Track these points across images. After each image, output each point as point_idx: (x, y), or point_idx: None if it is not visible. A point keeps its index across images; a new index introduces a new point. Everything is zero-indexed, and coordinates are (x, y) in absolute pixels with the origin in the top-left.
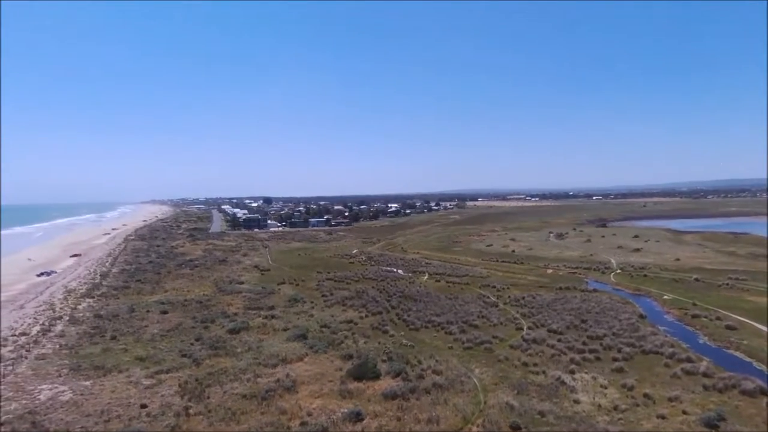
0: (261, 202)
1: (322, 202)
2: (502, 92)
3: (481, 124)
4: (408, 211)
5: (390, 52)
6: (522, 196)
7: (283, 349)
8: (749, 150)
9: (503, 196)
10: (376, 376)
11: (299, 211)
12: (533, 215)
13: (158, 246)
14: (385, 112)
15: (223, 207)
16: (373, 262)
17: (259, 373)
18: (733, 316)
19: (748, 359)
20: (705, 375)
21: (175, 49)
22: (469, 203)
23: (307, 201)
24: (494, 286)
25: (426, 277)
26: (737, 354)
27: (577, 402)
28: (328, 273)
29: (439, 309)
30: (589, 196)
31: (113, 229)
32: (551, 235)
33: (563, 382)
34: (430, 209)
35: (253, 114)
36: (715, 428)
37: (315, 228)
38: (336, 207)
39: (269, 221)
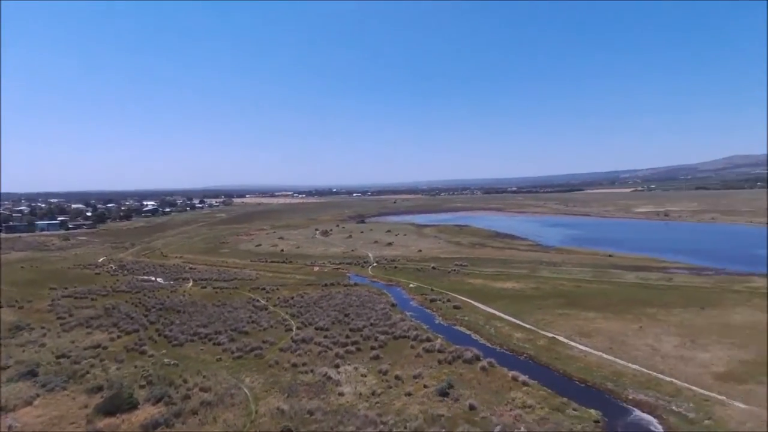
0: None
1: (54, 200)
2: (266, 91)
3: (247, 121)
4: (168, 209)
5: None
6: (290, 193)
7: (2, 395)
8: (470, 156)
9: (271, 193)
10: (133, 406)
11: (20, 211)
12: (301, 212)
13: None
14: (138, 97)
15: None
16: (126, 272)
17: None
18: (459, 297)
19: (468, 332)
20: (439, 351)
21: None
22: (237, 200)
23: (32, 198)
24: (264, 288)
25: (191, 285)
26: (461, 329)
27: (341, 395)
28: (66, 288)
29: (206, 319)
30: (350, 192)
31: None
32: (317, 232)
33: (329, 378)
34: (193, 207)
35: None
36: (446, 395)
37: (45, 233)
38: (74, 206)
39: None
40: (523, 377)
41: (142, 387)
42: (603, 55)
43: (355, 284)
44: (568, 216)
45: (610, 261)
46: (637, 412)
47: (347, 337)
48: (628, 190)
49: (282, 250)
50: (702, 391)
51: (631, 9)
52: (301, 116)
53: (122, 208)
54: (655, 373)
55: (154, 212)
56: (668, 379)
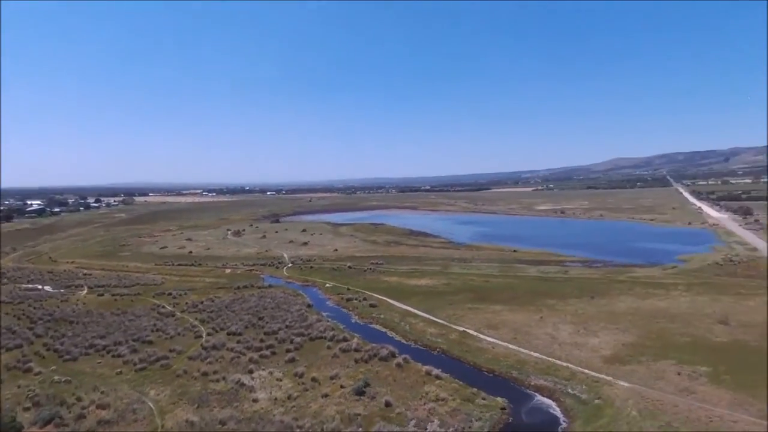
0: None
1: None
2: (172, 85)
3: (150, 110)
4: (57, 209)
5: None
6: (199, 191)
7: None
8: (385, 155)
9: (178, 191)
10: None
11: None
12: (211, 211)
13: None
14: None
15: None
16: (6, 280)
17: None
18: (375, 295)
19: (384, 330)
20: (356, 350)
21: None
22: (139, 199)
23: None
24: (170, 294)
25: (85, 292)
26: (377, 327)
27: (256, 401)
28: None
29: (104, 329)
30: (263, 191)
31: None
32: (229, 232)
33: (243, 384)
34: (87, 207)
35: None
36: (363, 394)
37: None
38: None
39: None
40: (436, 371)
41: (27, 409)
42: (505, 60)
43: (270, 286)
44: (477, 214)
45: (514, 256)
46: (539, 397)
47: (261, 341)
48: (530, 189)
49: (190, 252)
50: (593, 373)
51: (522, 15)
52: (211, 109)
53: (0, 208)
54: (553, 360)
55: (40, 212)
56: (564, 364)
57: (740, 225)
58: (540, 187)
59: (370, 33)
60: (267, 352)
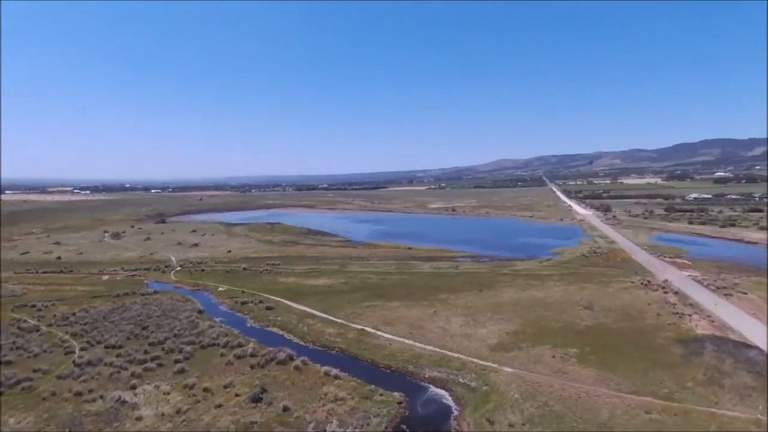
0: None
1: None
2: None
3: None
4: None
5: None
6: (69, 189)
7: None
8: (283, 153)
9: (42, 188)
10: None
11: None
12: (84, 211)
13: None
14: None
15: None
16: None
17: None
18: (272, 297)
19: (281, 332)
20: (251, 355)
21: None
22: None
23: None
24: (34, 306)
25: None
26: (274, 330)
27: (140, 419)
28: None
29: None
30: (147, 189)
31: None
32: (107, 234)
33: (124, 402)
34: None
35: None
36: (260, 401)
37: None
38: None
39: None
40: (335, 371)
41: None
42: (404, 70)
43: (155, 292)
44: (374, 212)
45: (410, 253)
46: (433, 388)
47: (146, 352)
48: (423, 188)
49: (59, 258)
50: (480, 362)
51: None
52: (84, 99)
53: None
54: (446, 351)
55: None
56: (456, 355)
57: (602, 220)
58: (433, 186)
59: (265, 34)
60: (152, 365)
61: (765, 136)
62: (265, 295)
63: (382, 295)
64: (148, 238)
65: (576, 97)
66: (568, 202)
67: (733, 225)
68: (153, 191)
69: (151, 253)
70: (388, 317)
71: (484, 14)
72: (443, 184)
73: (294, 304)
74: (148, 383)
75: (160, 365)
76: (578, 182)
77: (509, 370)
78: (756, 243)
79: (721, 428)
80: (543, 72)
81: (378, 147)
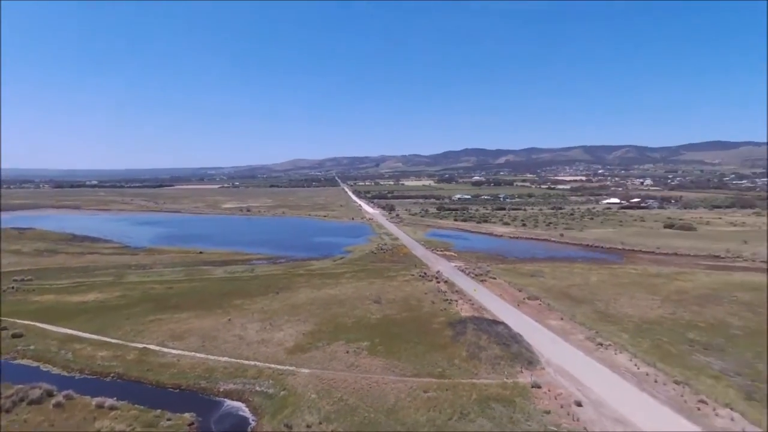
0: None
1: None
2: None
3: None
4: None
5: None
6: None
7: None
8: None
9: None
10: None
11: None
12: None
13: None
14: None
15: None
16: None
17: None
18: (20, 321)
19: (35, 364)
20: None
21: None
22: None
23: None
24: None
25: None
26: (25, 362)
27: None
28: None
29: None
30: None
31: None
32: None
33: None
34: None
35: None
36: None
37: None
38: None
39: None
40: (110, 401)
41: None
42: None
43: None
44: (159, 213)
45: (200, 258)
46: (228, 402)
47: None
48: (215, 186)
49: None
50: (278, 366)
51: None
52: None
53: None
54: (241, 361)
55: None
56: (252, 363)
57: (387, 219)
58: (226, 185)
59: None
60: None
61: (509, 148)
62: (11, 320)
63: (170, 306)
64: None
65: (361, 104)
66: (359, 201)
67: (485, 221)
68: None
69: None
70: (177, 330)
71: (256, 18)
72: (237, 183)
73: (52, 328)
74: None
75: None
76: (367, 183)
77: (306, 371)
78: (501, 236)
79: (480, 395)
80: (335, 83)
81: (162, 141)
